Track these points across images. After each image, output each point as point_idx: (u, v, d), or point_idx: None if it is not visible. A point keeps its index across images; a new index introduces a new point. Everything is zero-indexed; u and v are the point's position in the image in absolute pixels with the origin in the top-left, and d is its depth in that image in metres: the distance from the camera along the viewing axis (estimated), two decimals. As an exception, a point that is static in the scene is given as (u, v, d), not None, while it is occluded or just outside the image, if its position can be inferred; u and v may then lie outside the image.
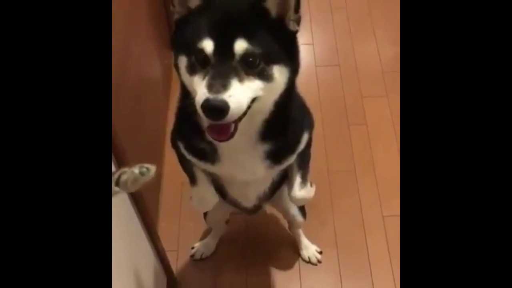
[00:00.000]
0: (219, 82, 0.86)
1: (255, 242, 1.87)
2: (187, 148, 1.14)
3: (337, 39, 2.40)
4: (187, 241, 1.86)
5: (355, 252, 1.84)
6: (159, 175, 1.98)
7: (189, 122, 1.04)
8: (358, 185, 1.98)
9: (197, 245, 1.83)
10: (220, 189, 1.31)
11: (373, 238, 1.86)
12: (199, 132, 1.03)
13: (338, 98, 2.16)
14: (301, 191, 1.26)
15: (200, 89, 0.87)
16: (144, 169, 0.75)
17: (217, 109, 0.85)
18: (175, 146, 1.21)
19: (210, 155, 1.09)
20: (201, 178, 1.23)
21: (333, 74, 2.27)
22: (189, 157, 1.15)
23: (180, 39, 0.96)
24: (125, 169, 0.74)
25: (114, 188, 0.73)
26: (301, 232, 1.78)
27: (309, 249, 1.80)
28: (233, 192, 1.32)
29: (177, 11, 0.97)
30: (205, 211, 1.54)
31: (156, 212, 1.87)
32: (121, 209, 1.22)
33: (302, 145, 1.16)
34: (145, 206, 1.36)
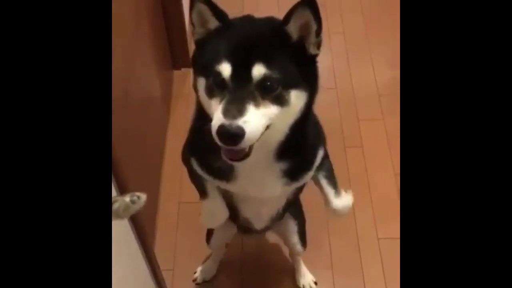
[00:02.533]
0: (235, 108, 0.86)
1: (252, 265, 1.88)
2: (201, 165, 1.13)
3: (334, 62, 2.45)
4: (183, 260, 1.86)
5: (350, 274, 1.84)
6: (156, 194, 1.99)
7: (204, 140, 1.02)
8: (354, 207, 1.98)
9: (199, 269, 1.83)
10: (232, 211, 1.29)
11: (368, 260, 1.86)
12: (215, 150, 1.01)
13: (335, 121, 2.20)
14: (338, 201, 1.25)
15: (216, 113, 0.87)
16: (135, 197, 0.76)
17: (232, 135, 0.85)
18: (186, 162, 1.20)
19: (226, 173, 1.08)
20: (213, 191, 1.21)
21: (330, 97, 2.31)
22: (202, 174, 1.14)
23: (199, 61, 0.96)
24: (117, 197, 0.76)
25: None
26: (300, 259, 1.78)
27: (306, 277, 1.80)
28: (246, 211, 1.30)
29: (197, 32, 0.97)
30: (213, 226, 1.48)
31: (153, 230, 1.88)
32: (118, 227, 1.23)
33: (318, 161, 1.15)
34: (142, 224, 1.37)
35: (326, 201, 1.26)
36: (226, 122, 0.85)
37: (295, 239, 1.57)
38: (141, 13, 1.81)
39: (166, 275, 1.69)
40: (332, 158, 2.09)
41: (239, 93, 0.88)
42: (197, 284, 1.82)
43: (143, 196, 0.77)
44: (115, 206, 0.75)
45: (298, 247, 1.60)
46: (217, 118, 0.87)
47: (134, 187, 1.44)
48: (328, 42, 2.49)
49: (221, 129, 0.85)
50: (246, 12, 1.03)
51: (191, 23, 0.98)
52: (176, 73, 2.37)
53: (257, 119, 0.87)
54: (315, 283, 1.81)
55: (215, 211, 1.26)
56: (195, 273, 1.83)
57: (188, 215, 1.95)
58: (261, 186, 1.11)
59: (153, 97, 2.03)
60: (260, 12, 1.05)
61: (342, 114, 2.26)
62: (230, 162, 0.96)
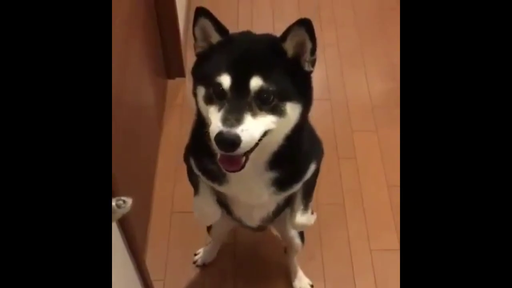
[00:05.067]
0: (233, 117, 0.92)
1: (246, 269, 1.87)
2: (197, 165, 1.19)
3: (329, 74, 2.46)
4: (175, 270, 1.85)
5: (342, 286, 1.83)
6: (148, 203, 1.98)
7: (202, 143, 1.08)
8: (346, 218, 1.99)
9: (200, 251, 1.85)
10: (227, 207, 1.35)
11: (360, 272, 1.86)
12: (210, 154, 1.07)
13: (329, 132, 2.20)
14: (302, 217, 1.32)
15: (215, 121, 0.93)
16: (121, 202, 0.78)
17: (229, 142, 0.90)
18: (187, 160, 1.26)
19: (219, 176, 1.14)
20: (204, 189, 1.28)
21: (324, 108, 2.31)
22: (198, 174, 1.21)
23: (200, 71, 1.02)
24: None
25: None
26: (296, 262, 1.79)
27: (302, 281, 1.81)
28: (238, 211, 1.36)
29: (199, 45, 1.04)
30: (207, 224, 1.55)
31: (145, 240, 1.86)
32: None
33: (308, 175, 1.20)
34: (132, 233, 1.36)
35: (291, 213, 1.33)
36: (224, 129, 0.91)
37: (293, 232, 1.59)
38: (134, 21, 1.81)
39: (157, 286, 1.68)
40: (325, 169, 2.10)
41: (237, 103, 0.93)
42: (197, 266, 1.83)
43: (129, 201, 0.79)
44: None
45: (297, 241, 1.62)
46: (216, 125, 0.92)
47: (126, 196, 1.43)
48: (322, 53, 2.51)
49: (219, 136, 0.91)
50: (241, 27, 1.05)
51: (194, 36, 1.03)
52: (170, 82, 2.36)
53: (253, 128, 0.93)
54: (312, 286, 1.81)
55: (204, 208, 1.32)
56: (195, 255, 1.85)
57: (180, 225, 1.94)
58: (250, 192, 1.16)
59: (145, 106, 2.02)
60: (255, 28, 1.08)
61: (335, 125, 2.27)
62: (226, 171, 1.02)
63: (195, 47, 1.05)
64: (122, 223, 1.29)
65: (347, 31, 2.66)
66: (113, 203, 0.77)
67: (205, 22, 0.99)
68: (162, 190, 2.03)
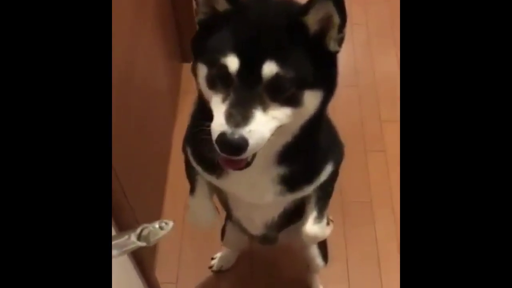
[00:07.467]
0: (240, 113, 0.77)
1: (265, 276, 1.76)
2: (195, 156, 1.05)
3: (356, 57, 2.29)
4: (188, 273, 1.74)
5: (368, 290, 1.71)
6: (161, 197, 1.87)
7: (200, 128, 0.94)
8: (374, 217, 1.86)
9: (217, 255, 1.75)
10: (227, 209, 1.23)
11: (387, 275, 1.73)
12: (209, 141, 0.92)
13: (355, 121, 2.06)
14: (314, 226, 1.15)
15: (218, 115, 0.79)
16: (164, 224, 0.81)
17: (234, 146, 0.77)
18: (184, 150, 1.12)
19: (218, 168, 1.00)
20: (201, 189, 1.14)
21: (351, 95, 2.16)
22: (195, 165, 1.06)
23: (202, 46, 0.85)
24: (146, 224, 0.81)
25: (137, 242, 0.78)
26: (318, 281, 1.68)
27: None
28: (238, 214, 1.22)
29: (201, 11, 0.86)
30: (199, 227, 1.28)
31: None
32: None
33: (322, 177, 1.05)
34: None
35: (303, 221, 1.17)
36: (228, 130, 0.76)
37: (315, 252, 1.48)
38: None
39: (168, 289, 1.57)
40: (351, 162, 1.93)
41: (246, 95, 0.78)
42: (212, 271, 1.73)
43: (171, 223, 0.81)
44: (145, 232, 0.79)
45: (319, 261, 1.51)
46: (219, 123, 0.78)
47: (135, 189, 1.31)
48: (350, 34, 2.30)
49: (222, 137, 0.77)
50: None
51: (195, 1, 0.86)
52: (186, 66, 2.22)
53: (264, 126, 0.79)
54: None
55: (199, 211, 1.17)
56: (212, 259, 1.74)
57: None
58: (252, 189, 1.01)
59: (158, 92, 1.90)
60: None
61: (363, 114, 2.11)
62: (229, 170, 0.89)
63: (196, 13, 0.87)
64: (119, 219, 1.17)
65: (377, 9, 2.47)
66: (157, 225, 0.79)
67: None
68: (175, 183, 1.91)
